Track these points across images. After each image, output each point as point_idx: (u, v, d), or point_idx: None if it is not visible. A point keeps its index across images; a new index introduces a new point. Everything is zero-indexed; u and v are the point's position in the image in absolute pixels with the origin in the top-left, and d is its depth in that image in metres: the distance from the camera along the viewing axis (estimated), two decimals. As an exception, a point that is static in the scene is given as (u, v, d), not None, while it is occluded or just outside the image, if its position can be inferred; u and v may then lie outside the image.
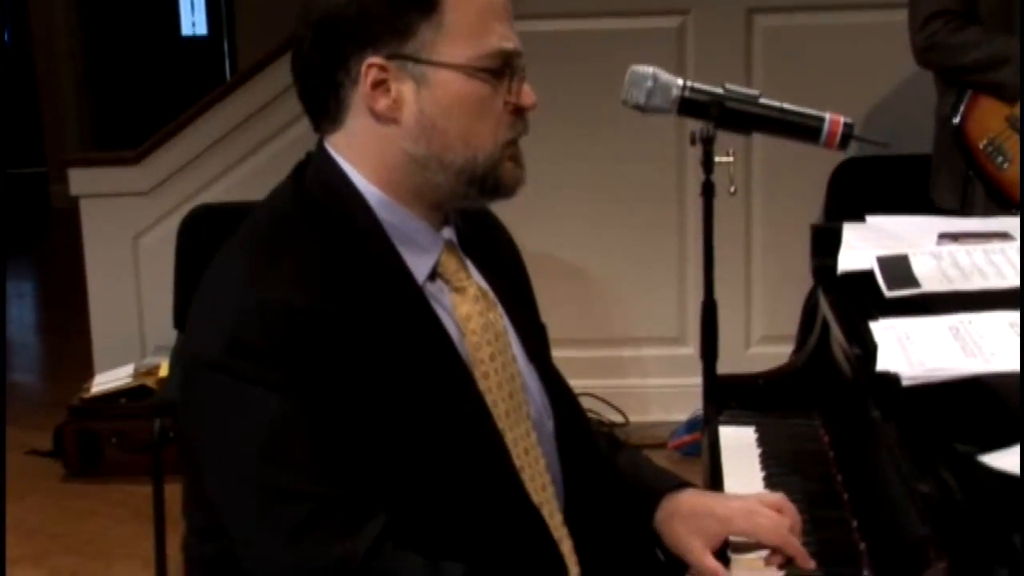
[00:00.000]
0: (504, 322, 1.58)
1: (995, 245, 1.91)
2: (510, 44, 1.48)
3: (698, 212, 2.24)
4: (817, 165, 3.94)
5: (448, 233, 1.55)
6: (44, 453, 4.15)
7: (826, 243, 2.09)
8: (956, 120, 3.23)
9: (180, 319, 3.17)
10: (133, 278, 4.33)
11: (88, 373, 4.26)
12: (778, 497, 1.63)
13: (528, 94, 1.51)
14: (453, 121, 1.46)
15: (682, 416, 4.08)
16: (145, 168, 4.33)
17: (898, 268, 1.86)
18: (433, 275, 1.52)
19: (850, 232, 2.05)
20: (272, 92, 4.19)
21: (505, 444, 1.51)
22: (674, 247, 4.22)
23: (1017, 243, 1.91)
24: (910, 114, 3.75)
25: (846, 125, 1.92)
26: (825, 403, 2.06)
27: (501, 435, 1.51)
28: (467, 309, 1.53)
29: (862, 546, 1.61)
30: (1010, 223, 2.07)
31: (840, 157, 4.04)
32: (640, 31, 4.01)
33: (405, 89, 1.45)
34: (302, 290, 1.38)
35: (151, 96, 8.65)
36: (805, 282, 2.35)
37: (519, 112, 1.51)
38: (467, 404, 1.48)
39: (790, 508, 1.60)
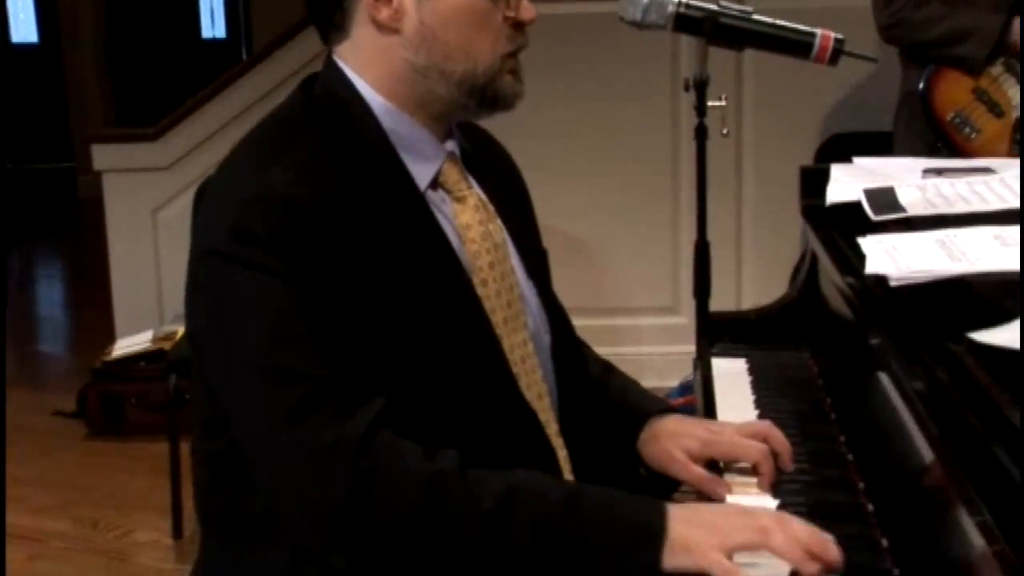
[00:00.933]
0: (503, 235, 1.53)
1: (978, 178, 1.87)
2: None
3: (692, 188, 2.20)
4: (806, 122, 3.91)
5: (451, 146, 1.51)
6: (69, 414, 4.14)
7: (815, 184, 2.04)
8: (922, 92, 3.17)
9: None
10: (152, 249, 4.28)
11: (110, 341, 4.22)
12: (764, 425, 1.55)
13: (528, 8, 1.46)
14: (453, 32, 1.41)
15: (675, 382, 4.03)
16: (164, 144, 4.29)
17: (884, 197, 1.82)
18: (435, 184, 1.47)
19: (838, 170, 2.01)
20: (285, 72, 4.14)
21: (502, 348, 1.46)
22: (667, 224, 4.18)
23: (1000, 176, 1.86)
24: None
25: (837, 40, 1.87)
26: (814, 335, 2.02)
27: (498, 340, 1.46)
28: (467, 218, 1.49)
29: (850, 457, 1.57)
30: (994, 162, 2.03)
31: (825, 134, 4.02)
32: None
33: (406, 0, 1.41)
34: (305, 181, 1.33)
35: (173, 95, 8.59)
36: (794, 254, 2.31)
37: (519, 26, 1.46)
38: (464, 306, 1.44)
39: (777, 435, 1.52)
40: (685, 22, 1.94)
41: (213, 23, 9.78)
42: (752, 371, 1.95)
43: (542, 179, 3.71)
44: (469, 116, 1.52)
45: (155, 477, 3.53)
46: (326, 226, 1.32)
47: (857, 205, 1.85)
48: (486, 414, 1.44)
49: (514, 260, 1.55)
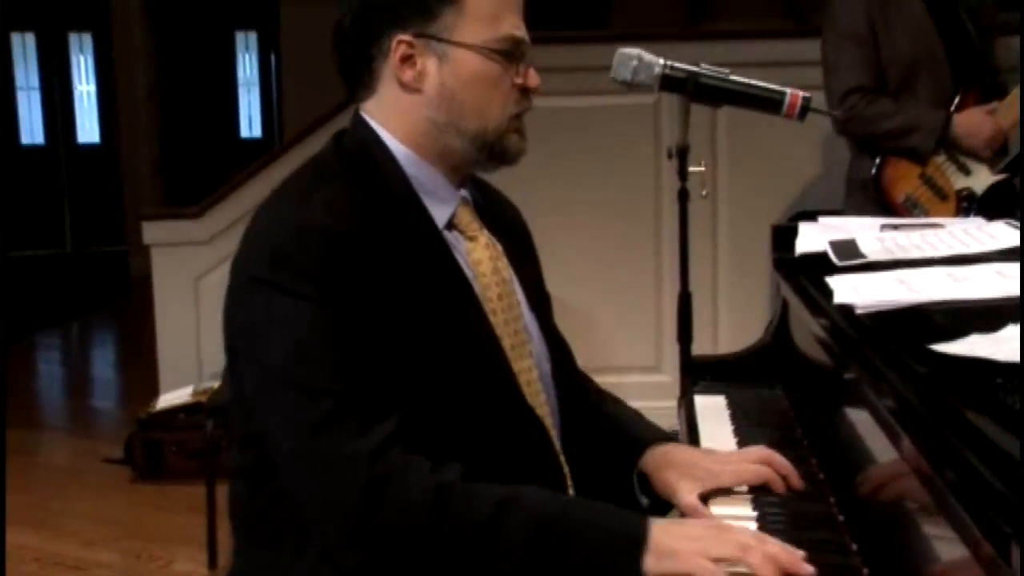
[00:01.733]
0: (510, 271, 1.51)
1: (929, 231, 1.85)
2: (520, 33, 1.44)
3: (672, 252, 2.17)
4: (774, 187, 3.92)
5: (464, 192, 1.49)
6: (117, 460, 4.10)
7: (784, 240, 2.03)
8: (875, 177, 3.14)
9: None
10: (194, 314, 4.25)
11: (154, 396, 4.18)
12: (766, 451, 1.50)
13: (534, 77, 1.46)
14: (469, 93, 1.41)
15: (658, 433, 3.97)
16: (205, 221, 4.29)
17: (847, 247, 1.79)
18: (450, 225, 1.46)
19: (805, 227, 2.00)
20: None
21: (512, 370, 1.43)
22: (651, 286, 4.15)
23: (948, 229, 1.84)
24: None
25: (804, 98, 1.86)
26: (786, 374, 1.98)
27: (508, 363, 1.43)
28: (478, 255, 1.47)
29: (822, 476, 1.53)
30: (942, 220, 2.01)
31: (792, 210, 4.01)
32: (620, 106, 3.98)
33: (429, 63, 1.40)
34: (337, 216, 1.32)
35: (216, 188, 8.63)
36: (764, 304, 2.29)
37: (525, 91, 1.46)
38: (477, 331, 1.41)
39: (779, 459, 1.48)
40: (670, 82, 1.93)
41: (251, 125, 9.89)
42: (731, 406, 1.92)
43: (537, 244, 3.72)
44: (479, 169, 1.50)
45: (192, 515, 3.47)
46: (355, 254, 1.30)
47: (823, 255, 1.82)
48: (499, 430, 1.41)
49: (519, 295, 1.52)
